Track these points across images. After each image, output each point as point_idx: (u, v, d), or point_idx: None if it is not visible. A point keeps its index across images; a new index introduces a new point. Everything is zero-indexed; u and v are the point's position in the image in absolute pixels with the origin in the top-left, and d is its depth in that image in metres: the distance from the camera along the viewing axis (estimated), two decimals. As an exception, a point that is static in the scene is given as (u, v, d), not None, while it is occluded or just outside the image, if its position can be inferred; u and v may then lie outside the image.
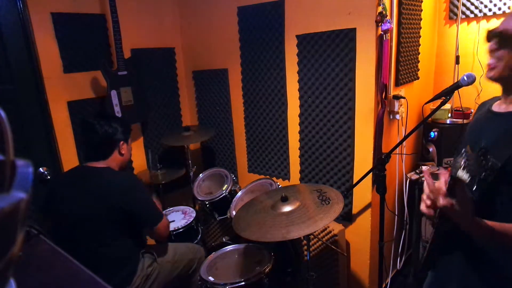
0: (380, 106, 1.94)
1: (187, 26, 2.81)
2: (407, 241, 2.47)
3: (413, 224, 2.41)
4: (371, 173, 1.91)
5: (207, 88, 2.82)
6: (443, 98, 1.42)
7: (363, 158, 2.02)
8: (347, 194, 2.07)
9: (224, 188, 2.36)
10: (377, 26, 1.82)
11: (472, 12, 2.38)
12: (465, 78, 1.28)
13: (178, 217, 2.34)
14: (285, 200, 1.67)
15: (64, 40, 2.15)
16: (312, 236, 2.17)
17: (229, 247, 2.01)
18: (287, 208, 1.64)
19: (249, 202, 1.87)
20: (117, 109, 2.28)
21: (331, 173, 2.19)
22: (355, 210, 2.14)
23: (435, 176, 1.00)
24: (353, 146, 2.04)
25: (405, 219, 2.42)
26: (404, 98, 2.05)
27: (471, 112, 2.29)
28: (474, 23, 2.41)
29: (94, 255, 1.62)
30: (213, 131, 2.75)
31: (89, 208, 1.62)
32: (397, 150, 1.89)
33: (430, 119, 2.06)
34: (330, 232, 2.17)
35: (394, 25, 1.94)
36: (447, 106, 2.34)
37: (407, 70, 2.16)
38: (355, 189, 2.06)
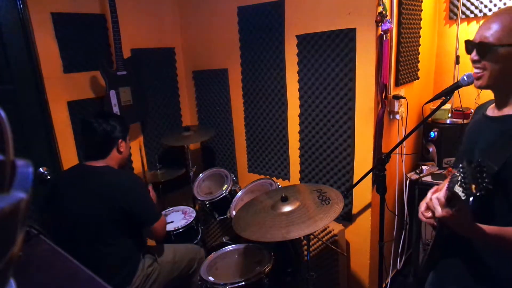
0: (380, 106, 1.94)
1: (187, 26, 2.81)
2: (407, 241, 2.47)
3: (413, 224, 2.41)
4: (371, 173, 1.91)
5: (207, 88, 2.82)
6: (443, 98, 1.43)
7: (363, 158, 2.02)
8: (347, 194, 2.07)
9: (224, 188, 2.36)
10: (377, 26, 1.82)
11: (472, 12, 2.38)
12: (465, 78, 1.28)
13: (178, 217, 2.34)
14: (285, 200, 1.67)
15: (64, 40, 2.15)
16: (312, 236, 2.18)
17: (229, 247, 2.01)
18: (287, 208, 1.64)
19: (249, 202, 1.87)
20: (115, 109, 2.28)
21: (331, 173, 2.19)
22: (355, 210, 2.14)
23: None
24: (353, 146, 2.04)
25: (405, 219, 2.42)
26: (404, 98, 2.05)
27: (471, 112, 2.29)
28: (474, 23, 2.41)
29: (95, 255, 1.62)
30: (213, 131, 2.75)
31: (89, 207, 1.62)
32: (397, 150, 1.89)
33: (430, 119, 2.06)
34: (330, 232, 2.18)
35: (394, 25, 1.94)
36: (447, 106, 2.34)
37: (407, 70, 2.16)
38: (355, 189, 2.06)
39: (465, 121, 2.20)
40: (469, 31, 2.43)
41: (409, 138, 1.84)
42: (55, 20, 2.10)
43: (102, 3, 2.31)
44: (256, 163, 2.65)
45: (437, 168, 2.35)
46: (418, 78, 2.32)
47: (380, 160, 1.77)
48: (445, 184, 0.97)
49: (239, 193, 2.34)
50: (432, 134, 2.32)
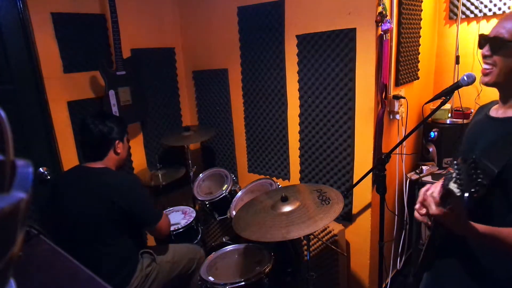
0: (380, 106, 1.94)
1: (187, 26, 2.81)
2: (407, 241, 2.47)
3: (413, 224, 2.41)
4: (371, 173, 1.91)
5: (207, 88, 2.82)
6: (443, 98, 1.43)
7: (363, 158, 2.02)
8: (347, 194, 2.07)
9: (224, 188, 2.36)
10: (377, 26, 1.82)
11: (472, 12, 2.38)
12: (465, 78, 1.28)
13: (178, 217, 2.33)
14: (285, 200, 1.67)
15: (64, 40, 2.15)
16: (312, 236, 2.17)
17: (229, 247, 2.01)
18: (287, 208, 1.64)
19: (249, 202, 1.87)
20: (115, 109, 2.28)
21: (331, 173, 2.19)
22: (355, 210, 2.14)
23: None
24: (353, 146, 2.04)
25: (405, 219, 2.42)
26: (404, 98, 2.05)
27: (471, 112, 2.29)
28: (474, 23, 2.41)
29: (94, 255, 1.62)
30: (213, 131, 2.75)
31: (89, 207, 1.62)
32: (397, 150, 1.89)
33: (430, 119, 2.06)
34: (330, 232, 2.17)
35: (394, 25, 1.94)
36: (447, 106, 2.34)
37: (407, 70, 2.16)
38: (355, 189, 2.06)
39: (465, 121, 2.20)
40: (469, 31, 2.43)
41: (409, 138, 1.84)
42: (55, 20, 2.10)
43: (102, 3, 2.31)
44: (256, 163, 2.65)
45: (437, 168, 2.35)
46: (418, 78, 2.32)
47: (380, 160, 1.77)
48: (439, 183, 0.97)
49: (239, 193, 2.34)
50: (432, 134, 2.32)
